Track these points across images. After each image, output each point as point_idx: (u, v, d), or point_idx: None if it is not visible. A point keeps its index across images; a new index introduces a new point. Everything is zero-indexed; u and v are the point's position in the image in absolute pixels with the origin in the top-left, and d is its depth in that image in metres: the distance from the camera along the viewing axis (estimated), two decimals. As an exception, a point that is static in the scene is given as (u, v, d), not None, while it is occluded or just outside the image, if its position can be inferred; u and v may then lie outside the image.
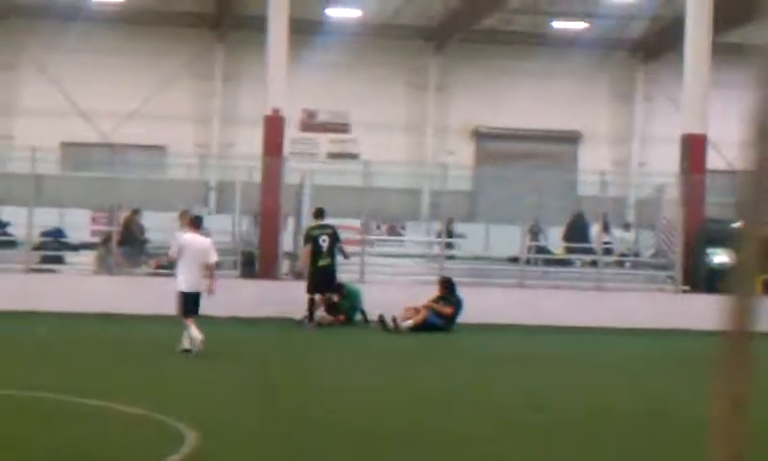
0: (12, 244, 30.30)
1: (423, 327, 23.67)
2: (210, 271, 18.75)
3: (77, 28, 40.62)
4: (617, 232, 35.71)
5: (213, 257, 18.87)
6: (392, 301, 24.40)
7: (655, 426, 13.21)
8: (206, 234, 20.58)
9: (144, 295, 24.75)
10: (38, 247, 29.01)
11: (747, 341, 1.76)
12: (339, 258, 24.85)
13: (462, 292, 24.64)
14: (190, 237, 18.91)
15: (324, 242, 24.25)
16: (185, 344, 18.54)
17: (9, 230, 31.64)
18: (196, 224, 19.43)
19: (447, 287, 24.58)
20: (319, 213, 25.02)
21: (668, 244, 29.21)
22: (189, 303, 18.68)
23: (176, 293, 18.81)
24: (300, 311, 24.25)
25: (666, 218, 29.86)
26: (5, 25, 42.71)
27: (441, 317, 24.08)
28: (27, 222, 26.69)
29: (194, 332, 18.27)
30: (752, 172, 1.79)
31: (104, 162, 42.45)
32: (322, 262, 24.17)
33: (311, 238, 24.34)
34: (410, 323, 23.75)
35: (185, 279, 18.82)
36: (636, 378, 18.13)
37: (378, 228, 38.90)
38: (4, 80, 42.84)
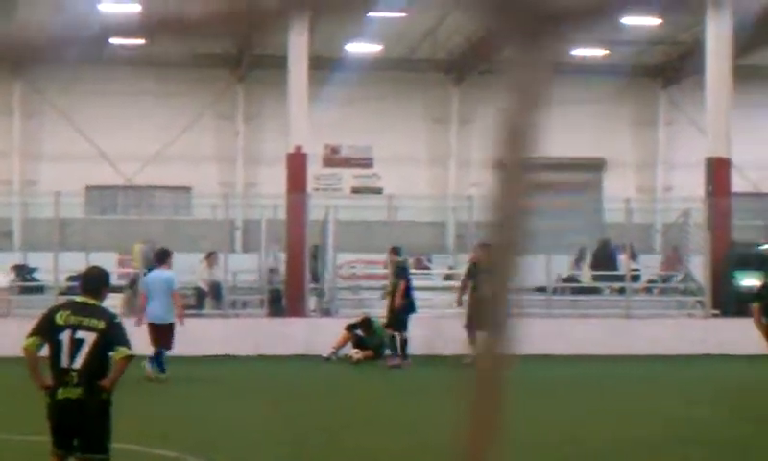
0: (39, 289, 30.42)
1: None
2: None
3: (98, 72, 40.80)
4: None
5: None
6: (418, 334, 24.25)
7: (686, 454, 13.06)
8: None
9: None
10: (66, 291, 29.08)
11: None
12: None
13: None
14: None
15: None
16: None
17: (36, 275, 31.78)
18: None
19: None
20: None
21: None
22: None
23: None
24: (326, 348, 24.20)
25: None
26: (25, 71, 42.96)
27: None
28: (53, 266, 26.76)
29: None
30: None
31: (129, 205, 42.61)
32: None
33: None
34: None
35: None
36: (667, 406, 17.96)
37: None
38: (26, 126, 43.07)
